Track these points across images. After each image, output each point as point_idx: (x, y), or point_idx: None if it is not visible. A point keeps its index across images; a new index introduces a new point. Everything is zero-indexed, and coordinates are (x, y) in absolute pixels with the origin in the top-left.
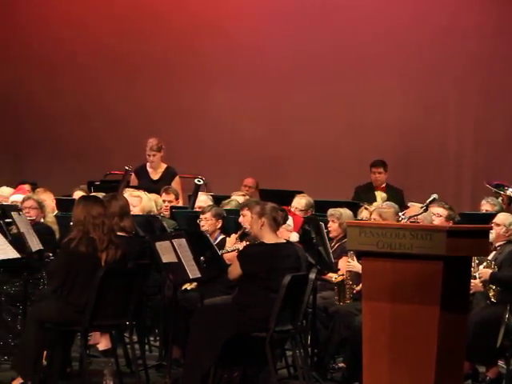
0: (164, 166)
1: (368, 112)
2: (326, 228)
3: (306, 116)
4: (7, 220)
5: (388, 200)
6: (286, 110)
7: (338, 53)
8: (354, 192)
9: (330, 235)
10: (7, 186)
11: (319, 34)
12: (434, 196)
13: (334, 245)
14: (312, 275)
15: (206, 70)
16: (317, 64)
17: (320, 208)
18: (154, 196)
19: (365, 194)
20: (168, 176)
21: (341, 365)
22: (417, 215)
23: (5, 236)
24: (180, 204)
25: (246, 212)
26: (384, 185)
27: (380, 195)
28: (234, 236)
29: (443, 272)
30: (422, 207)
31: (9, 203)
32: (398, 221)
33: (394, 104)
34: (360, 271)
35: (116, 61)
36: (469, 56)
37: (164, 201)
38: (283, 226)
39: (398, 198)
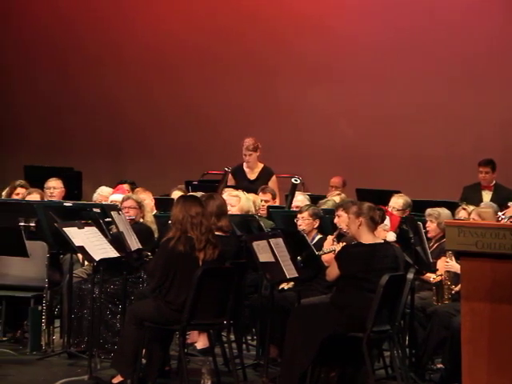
0: (261, 165)
1: (469, 111)
2: (424, 228)
3: (404, 115)
4: (107, 219)
5: (495, 200)
6: (384, 109)
7: (439, 52)
8: (462, 192)
9: (429, 235)
10: (107, 186)
11: (420, 32)
12: None
13: (433, 245)
14: (410, 275)
15: (303, 70)
16: (415, 62)
17: (417, 208)
18: (252, 196)
19: (471, 194)
20: (265, 176)
21: (439, 365)
22: None
23: (105, 235)
24: (277, 203)
25: (341, 212)
26: (492, 184)
27: (487, 195)
28: (330, 237)
29: None
30: None
31: (108, 203)
32: (498, 221)
33: (499, 101)
34: (459, 271)
35: (214, 62)
36: None
37: (261, 200)
38: (380, 225)
39: (508, 197)
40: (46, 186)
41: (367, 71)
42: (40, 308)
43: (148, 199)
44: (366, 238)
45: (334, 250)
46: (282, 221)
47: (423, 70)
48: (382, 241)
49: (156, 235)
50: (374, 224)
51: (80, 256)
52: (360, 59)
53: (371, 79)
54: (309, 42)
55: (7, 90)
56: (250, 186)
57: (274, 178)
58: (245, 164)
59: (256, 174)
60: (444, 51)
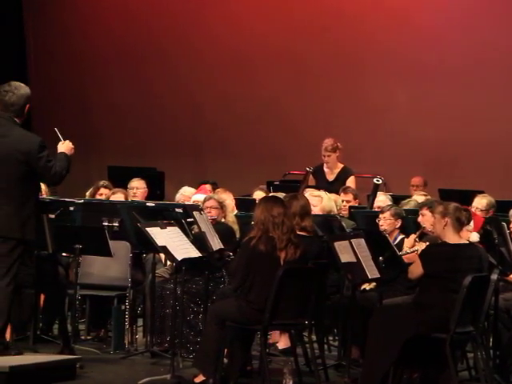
0: (340, 166)
1: None
2: (509, 228)
3: (486, 115)
4: (189, 219)
5: None
6: (467, 109)
7: None
8: None
9: None
10: (189, 186)
11: (507, 30)
12: None
13: None
14: (494, 276)
15: (389, 68)
16: (507, 61)
17: (501, 208)
18: (333, 196)
19: None
20: (342, 176)
21: None
22: None
23: (187, 235)
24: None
25: (425, 212)
26: None
27: None
28: (412, 236)
29: None
30: None
31: (191, 203)
32: None
33: None
34: None
35: (296, 61)
36: None
37: (342, 201)
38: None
39: None
40: (129, 186)
41: (454, 70)
42: (123, 307)
43: (229, 199)
44: (452, 238)
45: (417, 250)
46: (364, 221)
47: (508, 68)
48: (467, 241)
49: (238, 235)
50: (459, 225)
51: (162, 256)
52: (447, 57)
53: (457, 78)
54: (395, 39)
55: (89, 91)
56: (328, 187)
57: (351, 178)
58: (325, 164)
59: (335, 175)
60: None
